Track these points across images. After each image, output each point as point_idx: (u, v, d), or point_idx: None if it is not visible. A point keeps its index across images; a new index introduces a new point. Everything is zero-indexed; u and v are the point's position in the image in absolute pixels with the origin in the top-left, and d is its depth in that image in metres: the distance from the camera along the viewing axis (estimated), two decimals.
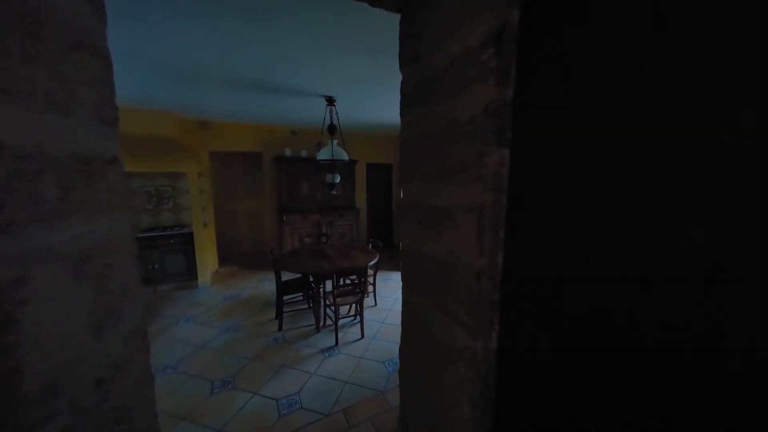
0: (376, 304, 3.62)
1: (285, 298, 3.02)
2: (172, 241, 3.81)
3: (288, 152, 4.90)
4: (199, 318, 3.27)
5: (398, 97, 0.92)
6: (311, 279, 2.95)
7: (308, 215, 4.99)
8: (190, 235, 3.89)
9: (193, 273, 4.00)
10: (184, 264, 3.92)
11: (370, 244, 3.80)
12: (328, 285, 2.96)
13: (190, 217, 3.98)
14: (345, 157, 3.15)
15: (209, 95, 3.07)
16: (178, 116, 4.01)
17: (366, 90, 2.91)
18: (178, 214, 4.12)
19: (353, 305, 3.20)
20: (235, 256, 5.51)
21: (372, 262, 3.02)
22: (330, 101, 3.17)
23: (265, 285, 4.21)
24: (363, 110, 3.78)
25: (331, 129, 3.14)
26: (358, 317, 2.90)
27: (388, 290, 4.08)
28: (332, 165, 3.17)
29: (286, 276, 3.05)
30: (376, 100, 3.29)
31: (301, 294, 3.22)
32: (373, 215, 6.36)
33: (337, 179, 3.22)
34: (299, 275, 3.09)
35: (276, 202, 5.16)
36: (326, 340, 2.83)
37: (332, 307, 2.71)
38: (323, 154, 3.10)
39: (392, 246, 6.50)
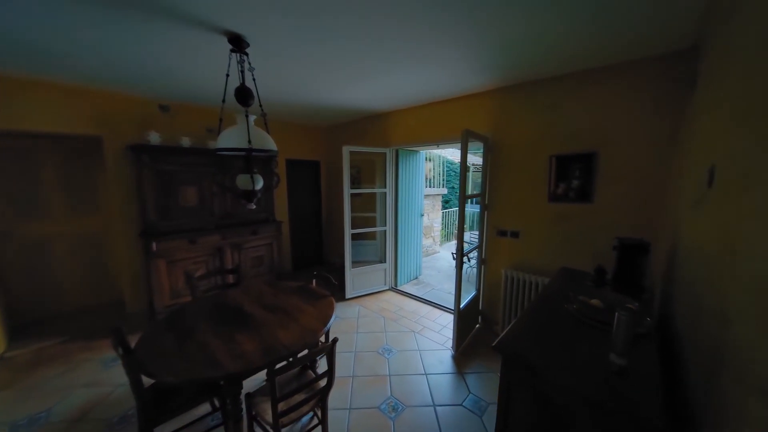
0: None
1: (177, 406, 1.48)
2: None
3: (154, 138, 3.03)
4: None
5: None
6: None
7: (199, 238, 3.24)
8: None
9: None
10: None
11: (314, 279, 2.53)
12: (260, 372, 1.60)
13: None
14: (272, 145, 1.82)
15: None
16: None
17: (299, 31, 1.68)
18: None
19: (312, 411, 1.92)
20: (49, 323, 3.17)
21: (330, 323, 1.82)
22: (237, 45, 1.77)
23: (114, 374, 2.35)
24: (288, 76, 2.47)
25: (244, 95, 1.76)
26: (316, 419, 1.68)
27: (341, 340, 2.88)
28: (248, 159, 1.79)
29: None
30: (310, 58, 2.07)
31: (209, 405, 1.71)
32: (298, 228, 4.93)
33: (260, 184, 1.86)
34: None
35: (137, 220, 3.17)
36: None
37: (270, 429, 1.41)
38: (228, 140, 1.70)
39: (321, 262, 5.22)
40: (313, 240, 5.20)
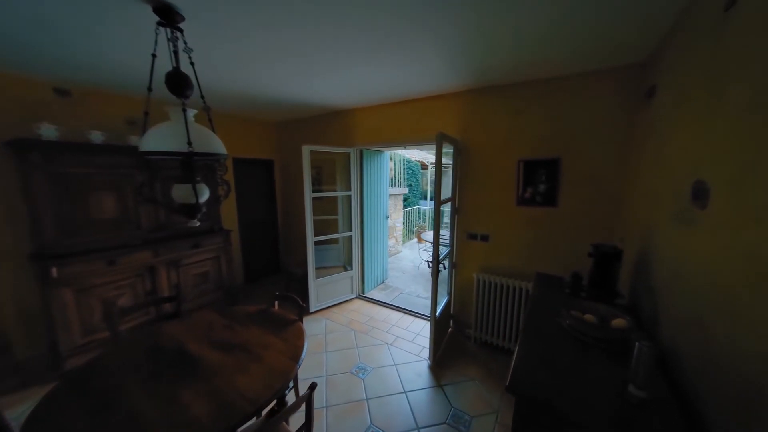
0: None
1: None
2: None
3: (48, 132, 2.34)
4: None
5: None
6: None
7: (121, 257, 2.62)
8: None
9: None
10: None
11: (276, 300, 2.20)
12: None
13: None
14: (219, 147, 1.46)
15: None
16: None
17: (249, 5, 1.36)
18: None
19: None
20: None
21: (302, 356, 1.55)
22: (166, 17, 1.37)
23: None
24: (236, 62, 2.07)
25: (178, 83, 1.37)
26: None
27: (307, 362, 2.57)
28: (188, 166, 1.40)
29: None
30: (265, 44, 1.74)
31: None
32: (251, 236, 4.39)
33: (205, 196, 1.48)
34: None
35: (28, 240, 2.43)
36: None
37: None
38: (159, 140, 1.30)
39: (278, 271, 4.77)
40: (268, 248, 4.70)
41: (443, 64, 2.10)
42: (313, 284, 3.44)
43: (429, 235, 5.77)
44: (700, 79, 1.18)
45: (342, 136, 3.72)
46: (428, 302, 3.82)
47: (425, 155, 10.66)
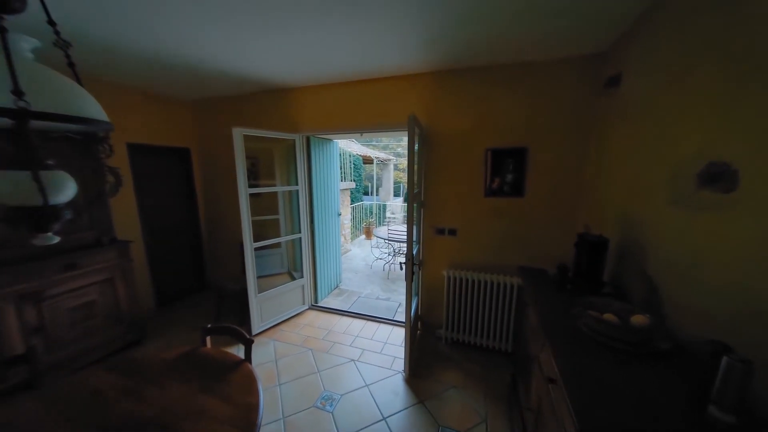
0: None
1: None
2: None
3: None
4: None
5: None
6: None
7: None
8: None
9: None
10: None
11: (207, 336, 1.59)
12: None
13: None
14: (95, 111, 0.85)
15: None
16: None
17: None
18: None
19: None
20: None
21: (260, 420, 1.07)
22: None
23: None
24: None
25: None
26: None
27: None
28: (23, 133, 0.76)
29: None
30: None
31: None
32: (161, 247, 3.41)
33: (68, 191, 0.85)
34: None
35: None
36: None
37: None
38: None
39: (204, 288, 3.89)
40: (188, 260, 3.76)
41: (409, 32, 1.78)
42: (255, 301, 2.81)
43: (380, 231, 5.51)
44: (709, 53, 1.11)
45: (284, 120, 3.11)
46: (390, 303, 3.55)
47: (366, 150, 10.38)
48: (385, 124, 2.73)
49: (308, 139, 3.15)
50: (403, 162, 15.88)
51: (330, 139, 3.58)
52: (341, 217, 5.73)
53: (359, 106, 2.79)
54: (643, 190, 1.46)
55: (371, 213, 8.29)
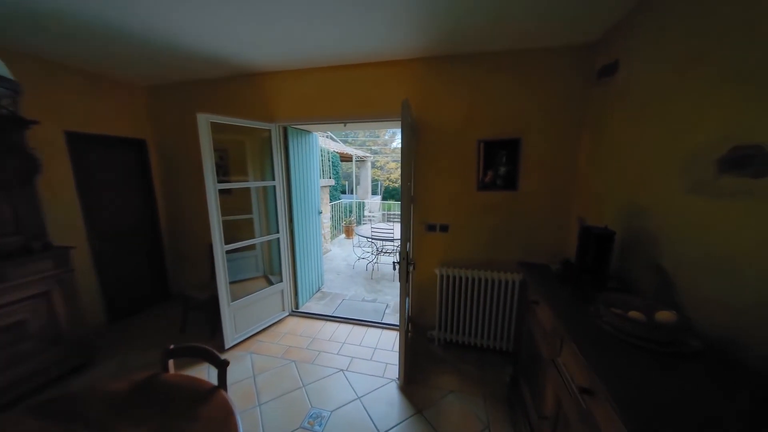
0: None
1: None
2: None
3: None
4: None
5: None
6: None
7: None
8: None
9: None
10: None
11: (169, 357, 1.31)
12: None
13: None
14: None
15: None
16: None
17: None
18: None
19: None
20: None
21: None
22: None
23: None
24: None
25: None
26: None
27: None
28: None
29: None
30: None
31: None
32: (113, 251, 2.96)
33: None
34: None
35: None
36: None
37: None
38: None
39: (168, 297, 3.47)
40: (147, 266, 3.31)
41: (401, 12, 1.61)
42: (228, 310, 2.50)
43: (363, 229, 5.30)
44: (734, 30, 1.05)
45: (258, 108, 2.81)
46: (377, 305, 3.37)
47: (343, 147, 10.08)
48: (372, 114, 2.54)
49: (285, 130, 2.88)
50: (381, 159, 15.75)
51: (309, 131, 3.32)
52: (322, 215, 5.44)
53: (343, 93, 2.57)
54: (652, 180, 1.40)
55: (351, 212, 8.05)
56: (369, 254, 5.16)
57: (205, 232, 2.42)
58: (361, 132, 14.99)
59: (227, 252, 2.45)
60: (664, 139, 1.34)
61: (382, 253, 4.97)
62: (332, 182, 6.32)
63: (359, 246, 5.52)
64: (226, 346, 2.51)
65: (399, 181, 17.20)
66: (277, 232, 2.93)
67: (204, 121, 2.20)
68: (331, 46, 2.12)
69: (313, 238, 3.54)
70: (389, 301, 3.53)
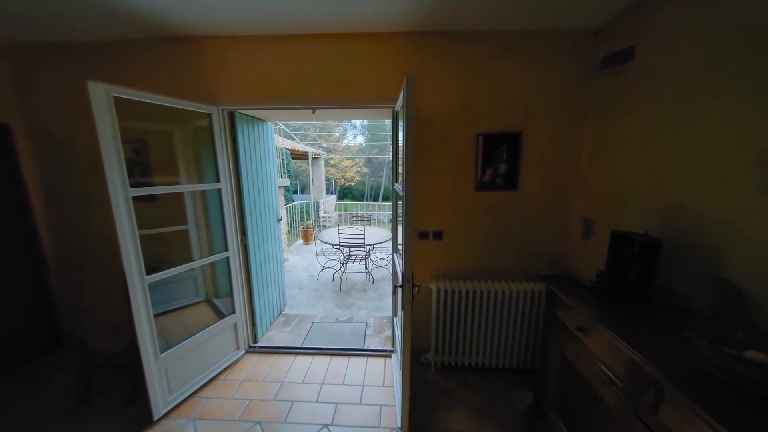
0: None
1: None
2: None
3: None
4: None
5: None
6: None
7: None
8: None
9: None
10: None
11: None
12: None
13: None
14: None
15: None
16: None
17: None
18: None
19: None
20: None
21: None
22: None
23: None
24: None
25: None
26: None
27: None
28: None
29: None
30: None
31: None
32: None
33: None
34: None
35: None
36: None
37: None
38: None
39: (59, 343, 2.52)
40: (22, 305, 2.30)
41: None
42: (155, 365, 1.78)
43: (326, 234, 4.72)
44: None
45: (192, 84, 2.09)
46: (355, 326, 2.90)
47: (293, 143, 9.19)
48: (349, 98, 2.05)
49: (232, 116, 2.21)
50: (336, 157, 15.00)
51: (263, 119, 2.67)
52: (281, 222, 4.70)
53: (312, 70, 2.03)
54: (710, 179, 1.21)
55: (307, 214, 7.32)
56: (335, 262, 4.61)
57: (116, 255, 1.66)
58: (312, 128, 14.05)
59: (152, 283, 1.73)
60: (724, 133, 1.16)
61: (349, 261, 4.47)
62: (287, 182, 5.58)
63: (322, 254, 4.93)
64: (156, 416, 1.78)
65: (354, 179, 16.64)
66: (226, 249, 2.25)
67: (101, 94, 1.46)
68: (297, 3, 1.58)
69: (273, 251, 2.90)
70: (366, 317, 3.09)
